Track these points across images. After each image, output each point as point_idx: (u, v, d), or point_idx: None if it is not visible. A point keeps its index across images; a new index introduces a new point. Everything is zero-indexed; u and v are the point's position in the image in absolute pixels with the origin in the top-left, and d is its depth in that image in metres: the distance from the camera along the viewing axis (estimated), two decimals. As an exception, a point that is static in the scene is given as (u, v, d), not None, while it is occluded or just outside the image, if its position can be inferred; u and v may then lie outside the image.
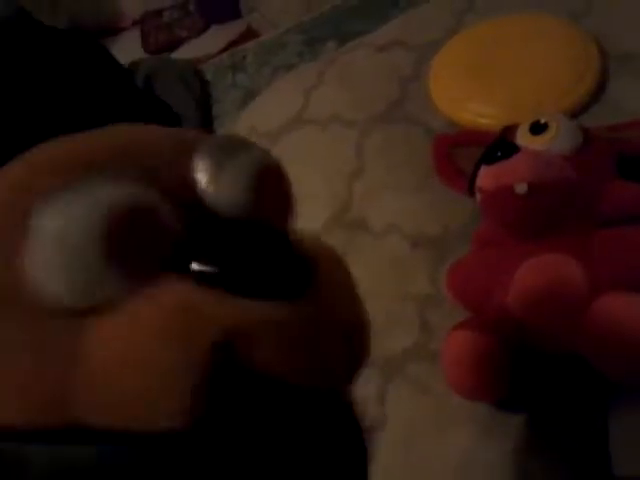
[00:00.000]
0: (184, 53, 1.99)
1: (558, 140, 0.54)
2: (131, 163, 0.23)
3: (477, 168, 0.58)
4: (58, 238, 0.22)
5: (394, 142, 0.76)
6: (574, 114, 0.67)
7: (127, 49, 2.07)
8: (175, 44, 2.07)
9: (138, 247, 0.23)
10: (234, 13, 2.05)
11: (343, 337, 0.26)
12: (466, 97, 0.73)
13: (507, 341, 0.50)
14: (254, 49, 1.09)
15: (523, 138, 0.56)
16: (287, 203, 0.26)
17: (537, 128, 0.56)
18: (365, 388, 0.64)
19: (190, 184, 0.24)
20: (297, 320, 0.24)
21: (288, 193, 0.26)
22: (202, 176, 0.23)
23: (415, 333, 0.63)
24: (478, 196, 0.58)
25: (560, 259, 0.53)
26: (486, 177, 0.56)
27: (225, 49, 1.71)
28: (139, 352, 0.22)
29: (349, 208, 0.75)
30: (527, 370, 0.52)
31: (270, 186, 0.25)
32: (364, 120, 0.79)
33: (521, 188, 0.52)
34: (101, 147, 0.24)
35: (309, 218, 0.77)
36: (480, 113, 0.71)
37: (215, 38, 2.05)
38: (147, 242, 0.23)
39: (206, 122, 1.02)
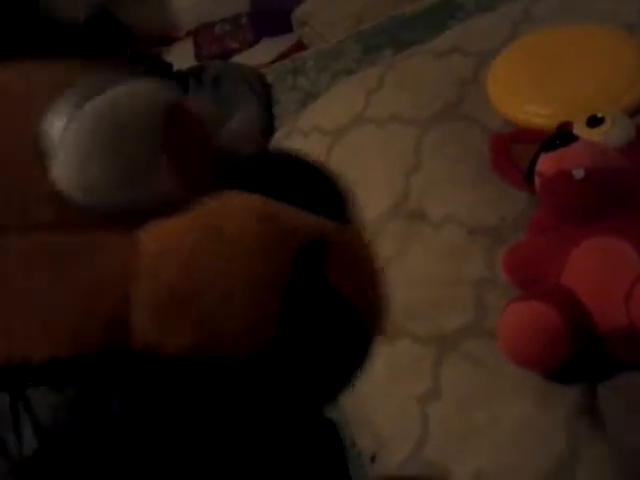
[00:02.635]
0: (235, 64, 2.07)
1: (613, 133, 0.59)
2: None
3: (536, 157, 0.63)
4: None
5: (452, 139, 0.81)
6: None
7: (181, 58, 2.15)
8: (227, 55, 2.15)
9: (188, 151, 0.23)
10: (285, 26, 2.13)
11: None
12: (523, 99, 0.78)
13: (563, 313, 0.55)
14: (314, 55, 1.15)
15: (580, 130, 0.61)
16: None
17: (594, 121, 0.60)
18: (421, 363, 0.68)
19: None
20: (360, 239, 0.25)
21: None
22: None
23: (471, 313, 0.68)
24: (537, 181, 0.63)
25: (614, 242, 0.57)
26: (545, 163, 0.60)
27: (275, 61, 1.79)
28: (220, 262, 0.20)
29: (408, 200, 0.80)
30: (580, 342, 0.56)
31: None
32: (423, 119, 0.84)
33: (578, 173, 0.56)
34: None
35: (369, 210, 0.82)
36: (536, 114, 0.76)
37: (265, 50, 2.12)
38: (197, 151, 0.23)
39: (267, 121, 1.08)
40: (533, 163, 0.63)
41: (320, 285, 0.22)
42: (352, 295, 0.24)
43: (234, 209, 0.22)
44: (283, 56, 1.89)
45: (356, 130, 0.90)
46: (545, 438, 0.59)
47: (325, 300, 0.23)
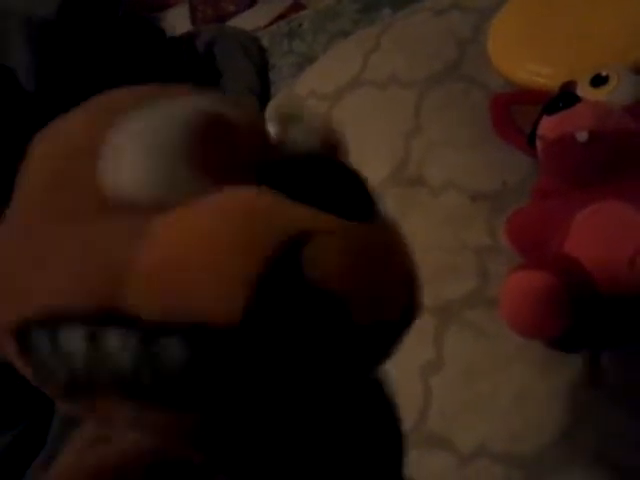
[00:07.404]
0: (232, 27, 2.02)
1: (619, 91, 0.57)
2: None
3: (538, 120, 0.60)
4: (144, 141, 0.25)
5: (452, 101, 0.78)
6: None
7: (176, 24, 2.10)
8: (223, 18, 2.10)
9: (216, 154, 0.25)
10: (282, -13, 2.08)
11: (403, 281, 0.28)
12: (524, 57, 0.75)
13: (565, 281, 0.53)
14: (310, 17, 1.12)
15: (584, 90, 0.58)
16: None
17: (598, 80, 0.58)
18: (422, 333, 0.67)
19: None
20: (365, 238, 0.25)
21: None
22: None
23: (473, 280, 0.67)
24: (539, 145, 0.61)
25: (619, 206, 0.55)
26: (547, 126, 0.58)
27: (273, 23, 1.75)
28: (199, 254, 0.23)
29: (407, 165, 0.78)
30: (583, 310, 0.55)
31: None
32: (422, 80, 0.82)
33: (582, 136, 0.54)
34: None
35: (369, 176, 0.80)
36: (538, 73, 0.73)
37: (262, 12, 2.07)
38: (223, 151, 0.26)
39: (263, 87, 1.05)
40: (535, 126, 0.61)
41: (299, 276, 0.23)
42: (350, 296, 0.24)
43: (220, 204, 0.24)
44: (281, 17, 1.85)
45: (354, 93, 0.87)
46: (548, 406, 0.58)
47: (303, 291, 0.23)
